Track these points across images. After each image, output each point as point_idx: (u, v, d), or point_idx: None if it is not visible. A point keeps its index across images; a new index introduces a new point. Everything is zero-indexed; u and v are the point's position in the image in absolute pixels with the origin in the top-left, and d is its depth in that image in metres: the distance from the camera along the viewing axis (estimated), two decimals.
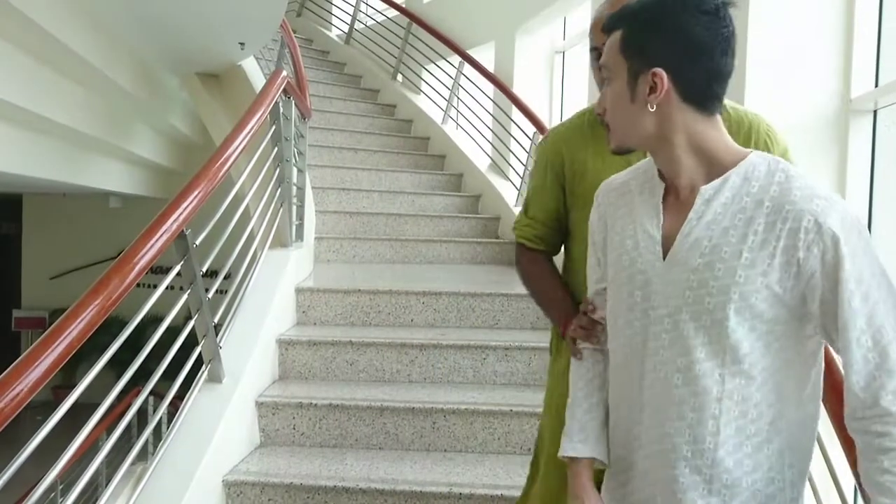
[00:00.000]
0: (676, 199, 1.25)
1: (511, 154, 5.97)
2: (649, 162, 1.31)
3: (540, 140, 1.82)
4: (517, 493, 2.62)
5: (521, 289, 4.32)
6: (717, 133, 1.21)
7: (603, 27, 1.27)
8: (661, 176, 1.28)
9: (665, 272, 1.23)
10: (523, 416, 3.00)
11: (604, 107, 1.26)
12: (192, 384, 2.71)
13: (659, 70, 1.16)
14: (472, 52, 6.80)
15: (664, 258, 1.23)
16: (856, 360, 1.11)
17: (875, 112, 3.46)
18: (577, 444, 1.38)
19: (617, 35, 1.21)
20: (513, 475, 2.78)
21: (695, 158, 1.21)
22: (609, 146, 1.29)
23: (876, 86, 3.46)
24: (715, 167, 1.21)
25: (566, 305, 1.73)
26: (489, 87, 6.48)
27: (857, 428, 1.14)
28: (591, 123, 1.73)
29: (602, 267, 1.39)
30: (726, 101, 1.56)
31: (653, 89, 1.17)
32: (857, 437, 1.14)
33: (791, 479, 1.23)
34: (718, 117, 1.22)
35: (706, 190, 1.21)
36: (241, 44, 5.55)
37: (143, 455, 3.08)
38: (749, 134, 1.61)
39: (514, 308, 3.80)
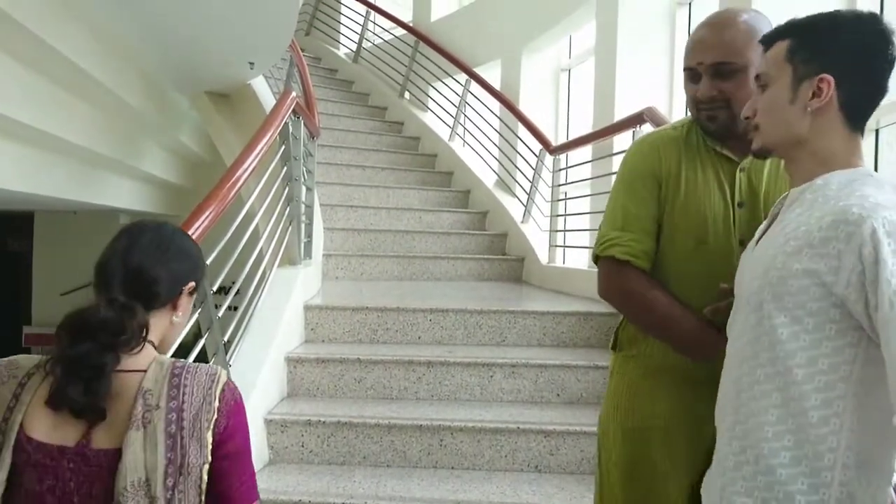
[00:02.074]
0: None
1: (518, 171, 6.01)
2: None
3: (631, 148, 1.72)
4: None
5: (528, 305, 4.34)
6: (853, 152, 1.26)
7: (765, 39, 1.32)
8: None
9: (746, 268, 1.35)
10: (530, 433, 3.02)
11: (754, 110, 1.32)
12: None
13: (827, 76, 1.23)
14: (478, 70, 6.86)
15: None
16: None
17: (877, 131, 3.48)
18: None
19: (783, 44, 1.28)
20: (519, 492, 2.80)
21: (820, 166, 1.26)
22: (752, 146, 1.35)
23: None
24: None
25: (714, 335, 1.51)
26: (496, 105, 6.54)
27: None
28: (688, 135, 1.65)
29: None
30: None
31: (816, 94, 1.24)
32: None
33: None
34: (860, 140, 1.26)
35: (793, 192, 1.29)
36: (251, 63, 5.63)
37: None
38: None
39: (521, 325, 3.82)
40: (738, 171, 1.58)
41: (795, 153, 1.28)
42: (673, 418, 1.59)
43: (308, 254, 4.29)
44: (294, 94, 4.01)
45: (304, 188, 4.18)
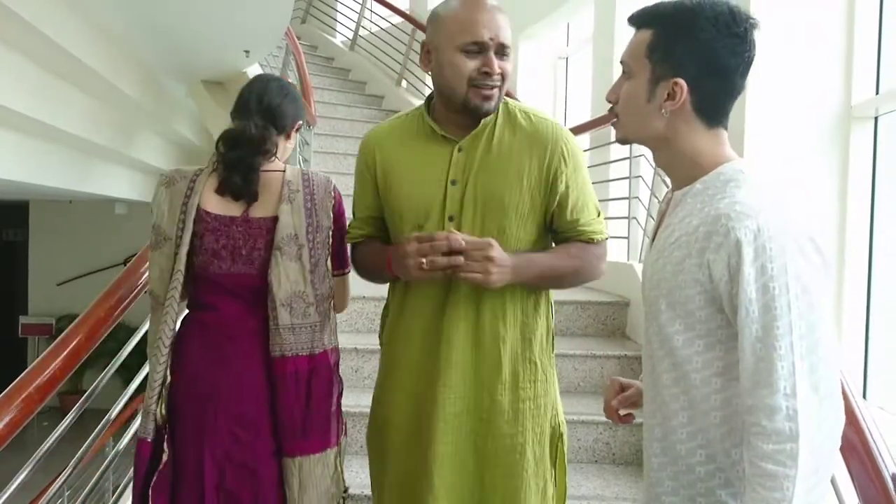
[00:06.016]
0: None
1: None
2: None
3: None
4: None
5: None
6: (717, 144, 1.25)
7: (632, 20, 1.29)
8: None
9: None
10: None
11: (616, 95, 1.31)
12: None
13: (681, 81, 1.21)
14: None
15: None
16: (745, 367, 1.13)
17: (876, 119, 3.47)
18: None
19: (646, 35, 1.25)
20: None
21: (690, 165, 1.25)
22: (616, 135, 1.36)
23: (877, 93, 3.47)
24: (701, 175, 1.25)
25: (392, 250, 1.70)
26: None
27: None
28: (414, 122, 1.75)
29: None
30: (529, 108, 1.68)
31: (670, 96, 1.22)
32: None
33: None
34: (723, 130, 1.27)
35: (676, 195, 1.28)
36: (247, 52, 5.60)
37: None
38: (547, 143, 1.64)
39: None
40: (455, 150, 1.64)
41: (660, 150, 1.29)
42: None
43: None
44: (289, 81, 3.98)
45: None
